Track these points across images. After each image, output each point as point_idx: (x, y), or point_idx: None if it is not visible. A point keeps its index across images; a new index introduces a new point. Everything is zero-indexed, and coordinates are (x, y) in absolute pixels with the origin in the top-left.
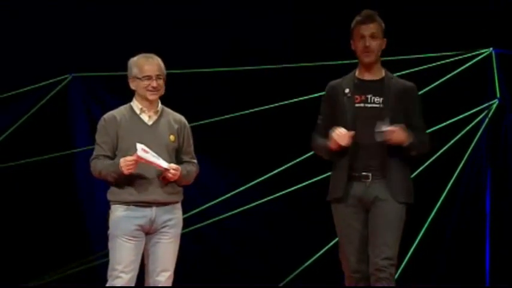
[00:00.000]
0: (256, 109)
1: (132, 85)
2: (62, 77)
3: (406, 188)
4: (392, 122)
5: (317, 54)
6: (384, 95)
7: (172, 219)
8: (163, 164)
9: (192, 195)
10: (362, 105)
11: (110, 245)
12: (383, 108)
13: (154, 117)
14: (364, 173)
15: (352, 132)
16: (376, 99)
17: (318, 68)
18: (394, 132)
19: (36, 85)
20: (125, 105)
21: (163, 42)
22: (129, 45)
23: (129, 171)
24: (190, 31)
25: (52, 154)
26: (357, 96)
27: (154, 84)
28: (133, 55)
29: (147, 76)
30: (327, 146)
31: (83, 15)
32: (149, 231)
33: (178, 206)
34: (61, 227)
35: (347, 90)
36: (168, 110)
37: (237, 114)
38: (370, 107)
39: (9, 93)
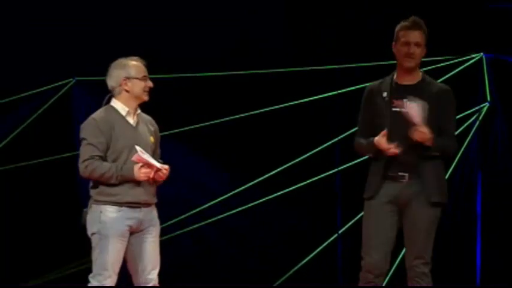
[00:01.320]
0: (254, 112)
1: (126, 87)
2: (66, 81)
3: (439, 188)
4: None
5: (315, 58)
6: (420, 99)
7: (154, 218)
8: (157, 164)
9: (191, 195)
10: (399, 109)
11: (100, 244)
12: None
13: (136, 119)
14: (400, 173)
15: (384, 132)
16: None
17: (315, 72)
18: (418, 130)
19: (41, 89)
20: (104, 108)
21: (166, 46)
22: (132, 50)
23: (146, 178)
24: (191, 35)
25: (54, 156)
26: (394, 100)
27: (150, 84)
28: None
29: (145, 76)
30: (372, 146)
31: (86, 19)
32: (135, 231)
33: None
34: (63, 227)
35: (385, 94)
36: (141, 112)
37: (236, 117)
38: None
39: (14, 97)
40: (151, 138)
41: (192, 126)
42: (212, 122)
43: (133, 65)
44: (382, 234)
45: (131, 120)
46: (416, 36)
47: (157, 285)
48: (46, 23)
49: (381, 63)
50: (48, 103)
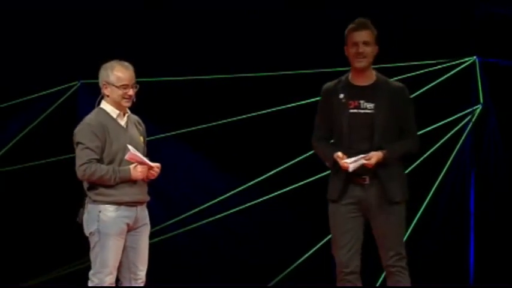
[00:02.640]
0: (254, 114)
1: (106, 91)
2: (71, 84)
3: (399, 188)
4: (384, 127)
5: (314, 61)
6: (375, 100)
7: (146, 217)
8: (149, 162)
9: (193, 194)
10: (356, 111)
11: (100, 243)
12: (375, 114)
13: (126, 121)
14: (362, 176)
15: (339, 154)
16: (369, 105)
17: (314, 74)
18: (369, 163)
19: (46, 91)
20: (96, 111)
21: (169, 49)
22: (136, 53)
23: (142, 176)
24: (193, 40)
25: (61, 157)
26: (350, 102)
27: (130, 92)
28: (141, 62)
29: (124, 85)
30: (331, 158)
31: (92, 23)
32: (130, 229)
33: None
34: (68, 227)
35: (341, 96)
36: (130, 113)
37: (237, 118)
38: (363, 113)
39: (20, 100)
40: (141, 138)
41: (195, 128)
42: (214, 123)
43: (117, 71)
44: (349, 234)
45: (122, 122)
46: (363, 35)
47: (144, 283)
48: (52, 28)
49: (382, 65)
50: (55, 105)
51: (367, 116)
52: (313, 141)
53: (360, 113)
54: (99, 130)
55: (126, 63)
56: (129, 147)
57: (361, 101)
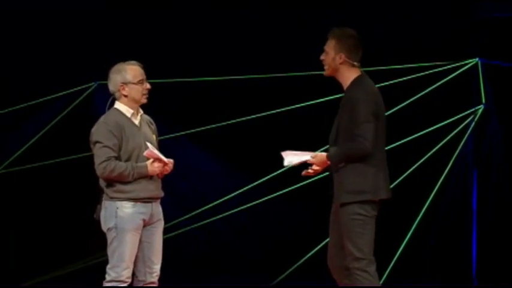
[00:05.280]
0: (263, 114)
1: (124, 91)
2: (88, 85)
3: (343, 189)
4: (343, 133)
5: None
6: (339, 108)
7: (161, 212)
8: (164, 158)
9: (203, 192)
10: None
11: (118, 238)
12: (337, 122)
13: (140, 120)
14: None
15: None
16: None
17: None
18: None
19: (64, 92)
20: (111, 111)
21: (184, 51)
22: (151, 54)
23: (158, 172)
24: (206, 41)
25: (75, 155)
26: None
27: (148, 86)
28: (155, 63)
29: (141, 80)
30: None
31: (108, 26)
32: (146, 225)
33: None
34: (86, 223)
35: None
36: (143, 113)
37: (246, 118)
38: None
39: (39, 100)
40: (154, 136)
41: (205, 127)
42: (224, 123)
43: (130, 70)
44: (331, 234)
45: (136, 121)
46: (326, 44)
47: (159, 276)
48: (69, 31)
49: (387, 67)
50: (72, 105)
51: (335, 124)
52: None
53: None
54: (115, 129)
55: (132, 61)
56: (148, 144)
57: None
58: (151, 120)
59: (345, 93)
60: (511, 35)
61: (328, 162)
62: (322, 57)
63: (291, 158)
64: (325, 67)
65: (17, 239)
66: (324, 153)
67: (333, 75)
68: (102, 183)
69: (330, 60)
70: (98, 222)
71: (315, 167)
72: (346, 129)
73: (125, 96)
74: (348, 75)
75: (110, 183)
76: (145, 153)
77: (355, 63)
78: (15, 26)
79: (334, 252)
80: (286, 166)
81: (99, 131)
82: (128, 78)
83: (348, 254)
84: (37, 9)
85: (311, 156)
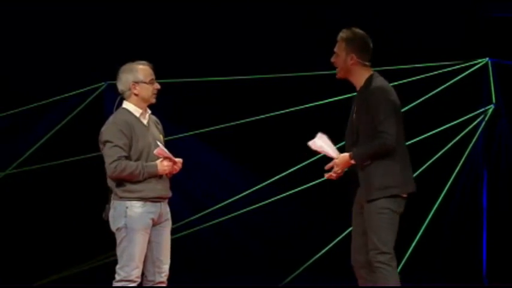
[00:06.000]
0: (272, 114)
1: (135, 90)
2: (98, 85)
3: (369, 186)
4: (362, 132)
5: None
6: (356, 106)
7: (168, 212)
8: (173, 157)
9: (213, 191)
10: (353, 116)
11: (128, 237)
12: (355, 120)
13: (148, 120)
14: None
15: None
16: (355, 110)
17: (332, 76)
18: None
19: (74, 92)
20: (119, 111)
21: (195, 51)
22: (160, 54)
23: (167, 171)
24: (218, 42)
25: (84, 155)
26: (353, 107)
27: (158, 86)
28: (164, 63)
29: (152, 79)
30: None
31: (117, 27)
32: (155, 224)
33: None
34: (95, 223)
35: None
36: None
37: (256, 118)
38: (352, 119)
39: (49, 100)
40: (161, 136)
41: (214, 127)
42: (233, 123)
43: (141, 70)
44: (354, 231)
45: (144, 120)
46: (336, 46)
47: (167, 276)
48: (80, 31)
49: (397, 67)
50: (82, 105)
51: (352, 122)
52: None
53: (352, 118)
54: (125, 128)
55: (142, 61)
56: (158, 143)
57: (353, 106)
58: (158, 120)
59: (359, 92)
60: None
61: (352, 162)
62: (333, 60)
63: (321, 143)
64: (337, 69)
65: (26, 238)
66: (346, 154)
67: (345, 77)
68: (110, 182)
69: (342, 62)
70: (107, 222)
71: (337, 170)
72: (366, 128)
73: (136, 95)
74: (361, 75)
75: (120, 182)
76: (155, 151)
77: (366, 62)
78: (25, 27)
79: (357, 250)
80: (310, 145)
81: (109, 131)
82: (140, 78)
83: (373, 248)
84: (48, 11)
85: (336, 156)
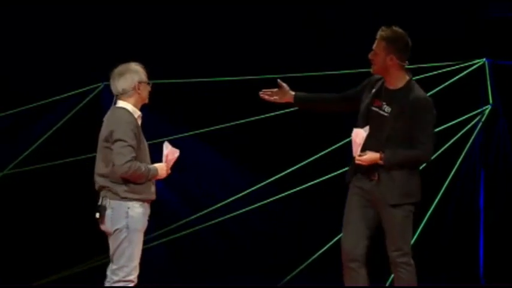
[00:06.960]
0: (273, 114)
1: (139, 90)
2: (95, 86)
3: (396, 191)
4: (394, 132)
5: (334, 63)
6: (393, 106)
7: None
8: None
9: (213, 191)
10: (376, 110)
11: (128, 238)
12: (388, 118)
13: (141, 121)
14: (371, 171)
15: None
16: (387, 108)
17: (335, 76)
18: (361, 159)
19: (71, 93)
20: (125, 111)
21: (194, 51)
22: (159, 55)
23: (166, 175)
24: (218, 42)
25: (81, 156)
26: (376, 100)
27: (149, 88)
28: (163, 64)
29: (148, 81)
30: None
31: (115, 27)
32: None
33: None
34: (93, 224)
35: (373, 91)
36: None
37: (256, 118)
38: (381, 114)
39: (46, 101)
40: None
41: (213, 127)
42: (232, 123)
43: (142, 70)
44: (353, 223)
45: (139, 122)
46: (375, 43)
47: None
48: (76, 32)
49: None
50: (79, 106)
51: (382, 118)
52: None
53: (378, 113)
54: (135, 129)
55: (135, 63)
56: (167, 143)
57: (384, 103)
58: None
59: (393, 92)
60: None
61: (380, 162)
62: (370, 57)
63: (362, 137)
64: (373, 66)
65: (25, 238)
66: (377, 154)
67: (380, 73)
68: (108, 182)
69: (380, 61)
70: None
71: (362, 163)
72: (404, 134)
73: (139, 94)
74: (398, 77)
75: (124, 182)
76: (166, 151)
77: (405, 63)
78: (21, 27)
79: (355, 242)
80: (354, 132)
81: (122, 130)
82: (143, 78)
83: (397, 249)
84: (47, 11)
85: (359, 154)
